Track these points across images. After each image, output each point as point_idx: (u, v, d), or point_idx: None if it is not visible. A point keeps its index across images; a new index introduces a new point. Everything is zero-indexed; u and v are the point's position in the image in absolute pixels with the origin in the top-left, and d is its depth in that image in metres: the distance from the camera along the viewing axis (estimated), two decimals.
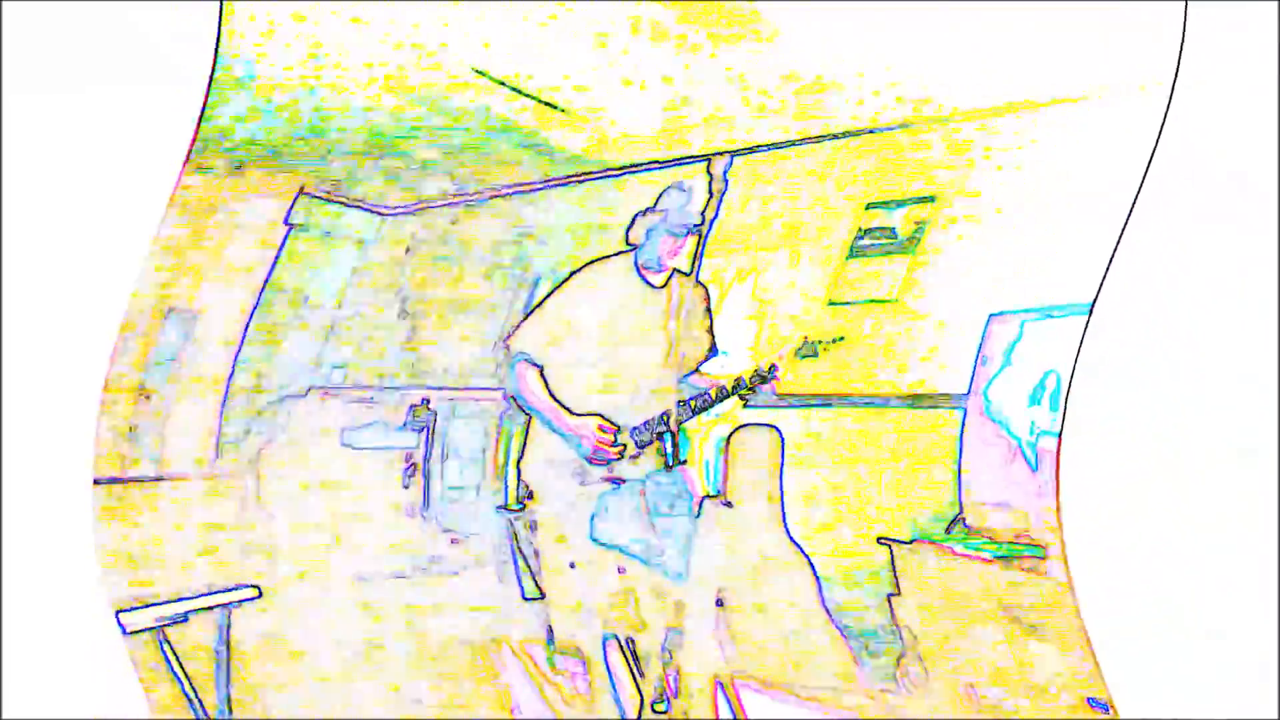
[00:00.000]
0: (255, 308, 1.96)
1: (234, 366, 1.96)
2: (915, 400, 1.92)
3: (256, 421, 1.97)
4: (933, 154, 1.91)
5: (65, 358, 1.94)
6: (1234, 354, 1.88)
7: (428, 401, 2.00)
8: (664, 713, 1.99)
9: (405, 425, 2.00)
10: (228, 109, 1.91)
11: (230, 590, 1.96)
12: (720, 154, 1.97)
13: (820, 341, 1.95)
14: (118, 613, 1.93)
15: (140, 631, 1.93)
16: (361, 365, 2.00)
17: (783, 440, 1.96)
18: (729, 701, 1.98)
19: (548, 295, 1.99)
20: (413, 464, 2.00)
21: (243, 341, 1.96)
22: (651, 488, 1.99)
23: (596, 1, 1.91)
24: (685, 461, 1.99)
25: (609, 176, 1.99)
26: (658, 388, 1.99)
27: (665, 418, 1.99)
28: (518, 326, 1.99)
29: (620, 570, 1.99)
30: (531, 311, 2.00)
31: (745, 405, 1.97)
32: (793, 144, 1.96)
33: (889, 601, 1.93)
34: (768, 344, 1.97)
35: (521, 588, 2.00)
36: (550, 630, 2.00)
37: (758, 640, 1.97)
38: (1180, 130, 1.84)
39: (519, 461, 2.00)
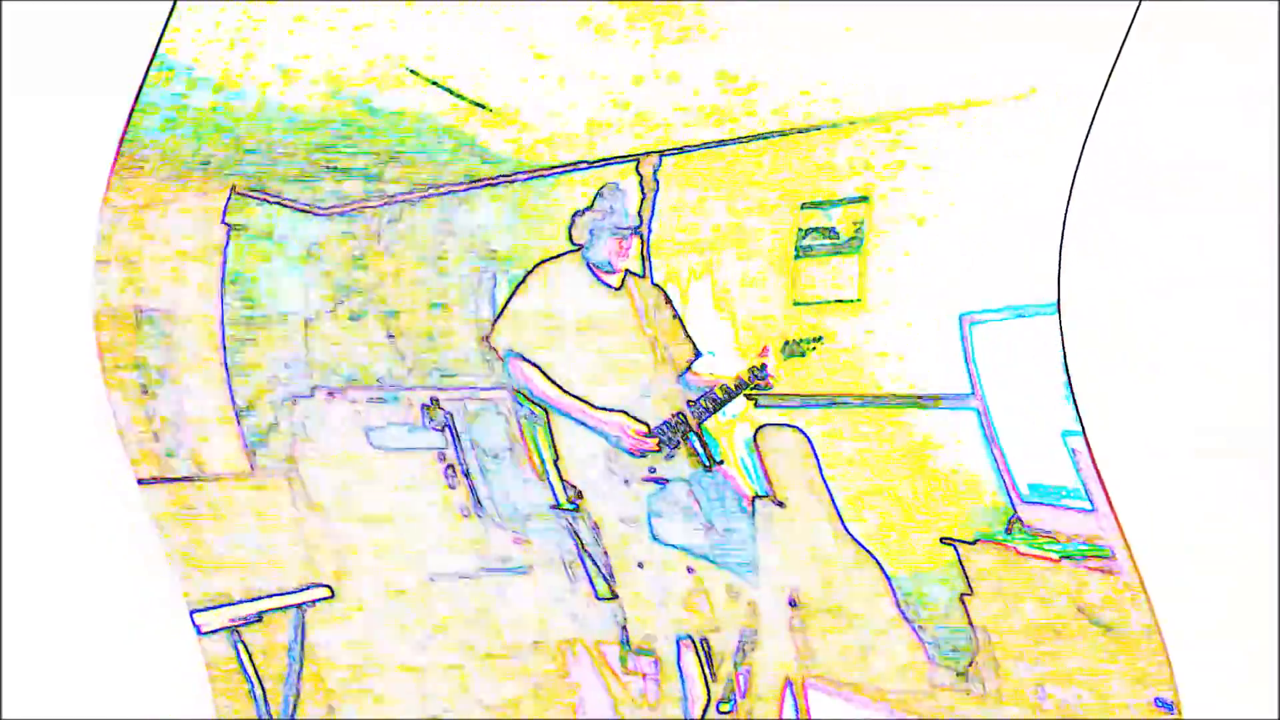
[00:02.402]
0: (222, 308, 1.96)
1: (227, 367, 1.97)
2: (918, 400, 1.89)
3: (274, 421, 1.98)
4: (868, 155, 1.89)
5: (49, 362, 1.95)
6: (1228, 352, 1.86)
7: (437, 400, 1.99)
8: (728, 713, 1.98)
9: (425, 425, 1.99)
10: (159, 108, 1.91)
11: (304, 590, 1.98)
12: (648, 154, 1.95)
13: (803, 341, 1.93)
14: (192, 612, 1.95)
15: (214, 631, 1.95)
16: (347, 365, 2.00)
17: (810, 440, 1.94)
18: (794, 702, 1.97)
19: (510, 295, 1.98)
20: (449, 464, 1.99)
21: (223, 339, 1.96)
22: (698, 488, 1.98)
23: (539, 1, 1.89)
24: (721, 461, 1.97)
25: (540, 176, 1.97)
26: (662, 387, 1.97)
27: (683, 418, 1.97)
28: (492, 326, 1.99)
29: (690, 570, 1.99)
30: (501, 311, 1.99)
31: (757, 405, 1.95)
32: (722, 144, 1.94)
33: (962, 601, 1.91)
34: (749, 342, 1.95)
35: (594, 587, 1.99)
36: (624, 630, 2.00)
37: (833, 640, 1.96)
38: (1141, 126, 1.83)
39: (555, 461, 1.99)
